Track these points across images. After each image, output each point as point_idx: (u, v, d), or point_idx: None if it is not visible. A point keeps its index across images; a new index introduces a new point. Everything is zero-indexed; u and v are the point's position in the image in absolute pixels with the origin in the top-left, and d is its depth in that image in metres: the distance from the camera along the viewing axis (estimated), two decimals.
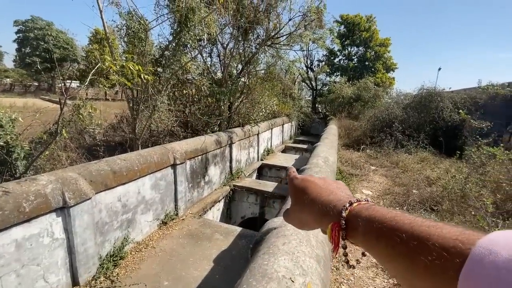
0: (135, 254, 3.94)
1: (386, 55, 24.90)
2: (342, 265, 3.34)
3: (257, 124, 8.85)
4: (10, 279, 2.53)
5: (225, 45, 8.02)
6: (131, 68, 3.54)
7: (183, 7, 5.19)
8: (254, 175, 9.01)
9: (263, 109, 9.02)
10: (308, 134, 17.42)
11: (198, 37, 5.96)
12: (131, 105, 5.71)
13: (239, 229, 4.88)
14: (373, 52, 24.33)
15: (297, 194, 0.57)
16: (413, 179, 6.89)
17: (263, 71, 9.25)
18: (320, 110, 21.12)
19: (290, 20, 7.67)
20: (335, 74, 25.12)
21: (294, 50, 10.54)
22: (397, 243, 0.35)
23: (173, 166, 4.84)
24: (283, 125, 12.89)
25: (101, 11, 4.47)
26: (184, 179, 5.17)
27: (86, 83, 3.80)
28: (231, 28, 7.67)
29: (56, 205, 2.88)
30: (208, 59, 8.69)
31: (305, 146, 13.13)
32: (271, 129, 10.90)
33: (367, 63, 24.47)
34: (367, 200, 0.47)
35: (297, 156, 11.20)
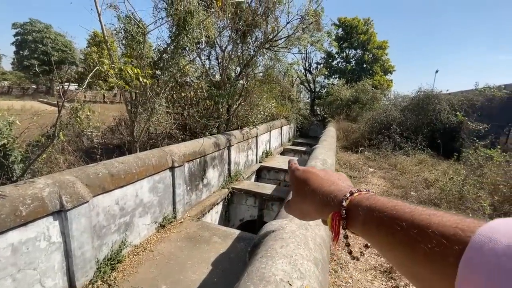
0: (133, 257, 3.91)
1: (384, 57, 25.07)
2: (340, 267, 3.33)
3: (255, 127, 8.86)
4: (6, 283, 2.51)
5: (223, 48, 8.05)
6: (129, 71, 3.54)
7: (182, 10, 5.21)
8: (253, 178, 9.00)
9: (262, 112, 9.05)
10: (306, 136, 17.45)
11: (196, 40, 5.97)
12: (129, 107, 5.70)
13: (237, 232, 4.86)
14: (370, 55, 24.49)
15: (299, 185, 0.58)
16: (411, 181, 6.91)
17: (261, 74, 9.28)
18: (319, 113, 21.17)
19: (288, 23, 7.72)
20: (333, 76, 25.25)
21: (293, 53, 10.63)
22: (397, 231, 0.36)
23: (171, 169, 4.83)
24: (281, 127, 12.91)
25: (99, 14, 4.48)
26: (183, 182, 5.16)
27: (84, 86, 3.79)
28: (229, 31, 7.70)
29: (53, 208, 2.86)
30: (207, 61, 8.73)
31: (303, 149, 13.14)
32: (270, 131, 10.91)
33: (365, 65, 24.61)
34: (368, 191, 0.47)
35: (295, 159, 11.09)
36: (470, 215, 4.51)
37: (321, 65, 24.59)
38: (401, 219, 0.36)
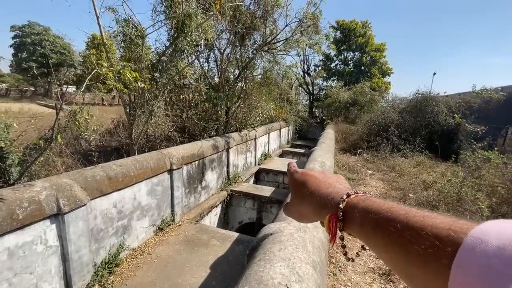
0: (131, 261, 3.89)
1: (382, 60, 25.20)
2: (339, 270, 3.33)
3: (254, 129, 8.86)
4: None
5: (222, 51, 8.08)
6: (128, 75, 3.55)
7: (180, 13, 5.23)
8: (252, 180, 8.99)
9: (260, 114, 9.06)
10: (305, 138, 17.47)
11: (195, 43, 5.99)
12: (127, 110, 5.70)
13: (236, 234, 4.85)
14: (368, 57, 24.62)
15: (297, 187, 0.58)
16: (410, 183, 6.92)
17: (260, 76, 9.31)
18: (317, 115, 21.24)
19: (286, 26, 7.76)
20: (332, 78, 25.33)
21: (291, 55, 10.63)
22: (392, 233, 0.36)
23: (170, 171, 4.82)
24: (280, 129, 12.92)
25: (97, 17, 4.49)
26: (181, 184, 5.14)
27: (83, 88, 3.79)
28: (228, 34, 7.73)
29: (50, 212, 2.84)
30: (205, 64, 8.75)
31: (302, 151, 13.15)
32: (268, 133, 10.92)
33: (363, 68, 24.74)
34: (365, 193, 0.48)
35: (294, 161, 11.15)
36: (468, 217, 4.52)
37: (320, 68, 24.70)
38: (396, 221, 0.37)
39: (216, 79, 8.44)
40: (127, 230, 4.00)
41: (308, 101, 22.51)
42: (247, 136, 8.39)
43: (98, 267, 3.50)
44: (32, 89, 36.87)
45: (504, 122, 9.83)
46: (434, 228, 0.32)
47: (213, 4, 5.75)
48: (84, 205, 3.16)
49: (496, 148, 6.75)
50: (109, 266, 3.60)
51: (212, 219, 6.37)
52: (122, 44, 5.57)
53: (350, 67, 25.22)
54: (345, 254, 0.51)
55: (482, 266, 0.26)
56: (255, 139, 9.14)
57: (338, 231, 0.46)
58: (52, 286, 2.95)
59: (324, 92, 22.64)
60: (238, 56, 8.20)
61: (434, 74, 26.22)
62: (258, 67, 8.91)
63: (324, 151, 6.32)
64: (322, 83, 24.75)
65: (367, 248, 0.46)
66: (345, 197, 0.47)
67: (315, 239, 2.13)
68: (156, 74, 5.89)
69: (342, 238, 0.47)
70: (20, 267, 2.63)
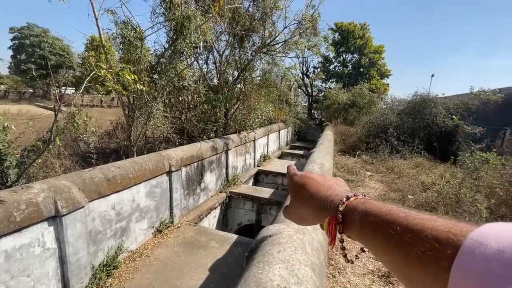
0: (129, 263, 3.87)
1: (380, 62, 25.29)
2: (338, 272, 3.32)
3: (253, 131, 8.87)
4: None
5: (221, 52, 8.09)
6: (127, 77, 3.55)
7: (179, 15, 5.24)
8: (251, 182, 8.97)
9: (259, 116, 9.06)
10: (304, 140, 17.49)
11: (194, 45, 6.00)
12: (126, 112, 5.70)
13: (235, 236, 4.83)
14: (367, 59, 24.70)
15: (297, 190, 0.58)
16: (409, 185, 6.93)
17: (259, 78, 9.33)
18: (316, 116, 21.26)
19: (285, 27, 7.79)
20: (331, 80, 25.40)
21: (290, 57, 10.68)
22: (392, 236, 0.36)
23: (169, 173, 4.81)
24: (279, 131, 12.93)
25: (96, 19, 4.50)
26: (180, 186, 5.13)
27: (81, 90, 3.78)
28: (227, 36, 7.75)
29: (48, 214, 2.83)
30: (204, 66, 8.75)
31: (301, 152, 13.15)
32: (268, 135, 10.92)
33: (361, 69, 24.81)
34: (364, 195, 0.48)
35: (293, 162, 11.17)
36: (467, 218, 4.53)
37: (318, 69, 24.77)
38: (395, 224, 0.37)
39: (215, 81, 8.45)
40: (125, 232, 3.99)
41: (307, 102, 22.56)
42: (246, 137, 8.39)
43: (96, 269, 3.48)
44: (31, 91, 36.81)
45: (502, 124, 9.88)
46: (433, 230, 0.33)
47: (212, 6, 5.77)
48: (82, 207, 3.14)
49: (494, 150, 6.77)
50: (107, 268, 3.58)
51: (211, 221, 6.35)
52: (121, 46, 5.57)
53: (348, 69, 25.30)
54: (345, 256, 0.51)
55: (481, 268, 0.26)
56: (254, 140, 9.14)
57: (338, 234, 0.46)
58: None
59: (323, 93, 22.70)
60: (237, 57, 8.21)
61: (433, 75, 26.36)
62: (257, 69, 8.93)
63: (323, 152, 6.32)
64: (321, 85, 24.85)
65: (366, 250, 0.46)
66: (344, 199, 0.47)
67: (314, 241, 2.12)
68: (155, 76, 5.89)
69: (341, 241, 0.47)
70: (17, 269, 2.61)
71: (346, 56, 25.67)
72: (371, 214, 0.41)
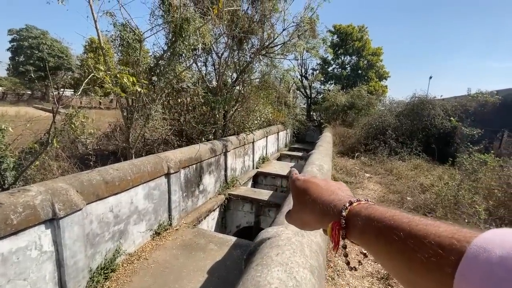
0: (127, 266, 3.84)
1: (379, 64, 25.43)
2: (337, 274, 3.31)
3: (252, 132, 8.86)
4: None
5: (220, 54, 8.11)
6: (125, 79, 3.54)
7: (178, 18, 5.25)
8: (250, 184, 8.96)
9: (258, 117, 9.07)
10: (303, 141, 17.50)
11: (193, 47, 6.00)
12: (125, 113, 5.69)
13: (234, 238, 4.81)
14: (365, 61, 24.84)
15: (299, 194, 0.58)
16: (407, 186, 6.94)
17: (257, 80, 9.34)
18: (315, 118, 21.30)
19: (284, 30, 7.82)
20: (329, 82, 25.51)
21: (289, 59, 10.71)
22: (395, 241, 0.36)
23: (167, 175, 4.79)
24: (278, 133, 12.94)
25: (95, 21, 4.49)
26: (178, 188, 5.11)
27: (79, 92, 3.78)
28: (225, 38, 7.77)
29: (45, 216, 2.81)
30: (203, 68, 8.76)
31: (300, 154, 13.16)
32: (266, 137, 10.92)
33: (360, 71, 24.93)
34: (367, 200, 0.48)
35: (292, 164, 11.21)
36: (466, 220, 4.53)
37: (317, 71, 24.87)
38: (399, 229, 0.37)
39: (214, 83, 8.46)
40: (123, 234, 3.96)
41: (305, 104, 22.62)
42: (245, 139, 8.39)
43: (94, 272, 3.46)
44: (29, 92, 36.70)
45: (499, 125, 9.92)
46: (437, 236, 0.33)
47: (211, 9, 5.78)
48: (80, 209, 3.12)
49: (492, 151, 6.81)
50: (105, 271, 3.56)
51: (210, 223, 6.33)
52: (120, 48, 5.57)
53: (347, 70, 25.42)
54: (348, 263, 0.51)
55: (485, 274, 0.26)
56: (253, 142, 9.14)
57: (341, 239, 0.46)
58: None
59: (321, 95, 22.78)
60: (236, 59, 8.23)
61: (431, 77, 26.51)
62: (256, 71, 8.96)
63: (322, 154, 6.32)
64: (319, 87, 24.94)
65: (368, 255, 0.46)
66: (347, 205, 0.47)
67: (313, 244, 2.12)
68: (154, 78, 5.89)
69: (344, 247, 0.46)
70: (14, 273, 2.59)
71: (345, 58, 25.80)
72: (374, 220, 0.41)
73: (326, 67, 25.78)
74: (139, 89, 4.07)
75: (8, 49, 34.94)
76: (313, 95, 22.78)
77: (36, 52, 33.33)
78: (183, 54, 6.09)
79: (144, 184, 4.28)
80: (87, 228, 3.35)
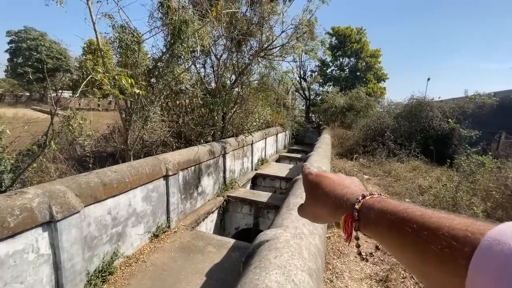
0: (125, 269, 3.82)
1: (377, 65, 25.54)
2: (336, 277, 3.30)
3: (251, 134, 8.87)
4: None
5: (218, 56, 8.12)
6: (123, 81, 3.54)
7: (177, 20, 5.26)
8: (248, 185, 8.95)
9: (257, 119, 9.08)
10: (302, 143, 17.51)
11: (191, 49, 6.01)
12: (123, 115, 5.67)
13: (232, 241, 4.80)
14: (364, 63, 24.95)
15: (311, 188, 0.59)
16: (406, 188, 6.95)
17: (256, 82, 9.36)
18: (314, 120, 21.34)
19: (282, 32, 7.86)
20: (328, 84, 25.60)
21: (287, 61, 10.78)
22: (408, 233, 0.37)
23: (166, 177, 4.78)
24: (277, 134, 12.95)
25: (94, 23, 4.50)
26: (177, 190, 5.10)
27: (77, 94, 3.77)
28: (224, 40, 7.79)
29: (42, 219, 2.79)
30: (202, 70, 8.77)
31: (299, 156, 13.16)
32: (265, 138, 10.92)
33: (358, 73, 25.04)
34: (380, 194, 0.49)
35: (291, 166, 11.21)
36: None
37: (316, 73, 24.93)
38: (412, 221, 0.37)
39: (213, 85, 8.47)
40: (121, 237, 3.94)
41: (304, 106, 22.65)
42: (243, 141, 8.39)
43: (92, 275, 3.43)
44: (27, 94, 36.58)
45: (497, 127, 9.97)
46: (451, 229, 0.33)
47: (209, 11, 5.80)
48: (78, 212, 3.11)
49: (490, 153, 6.84)
50: (103, 274, 3.54)
51: (208, 225, 6.31)
52: (119, 50, 5.57)
53: (345, 72, 25.52)
54: (360, 254, 0.52)
55: (499, 265, 0.27)
56: (251, 144, 9.13)
57: (354, 231, 0.47)
58: None
59: (320, 97, 22.83)
60: (234, 61, 8.25)
61: (428, 79, 26.62)
62: (254, 73, 8.98)
63: (321, 156, 6.33)
64: (318, 89, 25.02)
65: (380, 248, 0.47)
66: (360, 198, 0.48)
67: (311, 246, 2.11)
68: (153, 80, 5.88)
69: (357, 238, 0.47)
70: (11, 276, 2.57)
71: (343, 60, 25.91)
72: (388, 212, 0.42)
73: (324, 69, 25.88)
74: (137, 91, 4.06)
75: (6, 51, 34.87)
76: (311, 97, 22.84)
77: (35, 53, 33.26)
78: (182, 56, 6.09)
79: (142, 186, 4.26)
80: (85, 231, 3.33)
